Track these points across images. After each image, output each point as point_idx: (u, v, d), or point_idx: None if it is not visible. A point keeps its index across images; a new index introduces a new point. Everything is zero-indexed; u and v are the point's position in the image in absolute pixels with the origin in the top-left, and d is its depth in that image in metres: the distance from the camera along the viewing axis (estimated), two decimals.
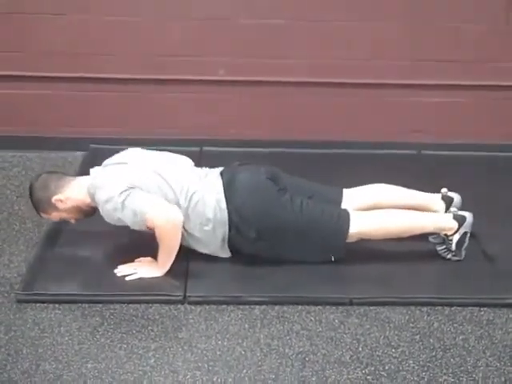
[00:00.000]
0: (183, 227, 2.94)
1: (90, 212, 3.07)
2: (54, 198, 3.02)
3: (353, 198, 3.17)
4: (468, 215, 3.07)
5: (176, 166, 3.10)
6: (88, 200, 3.02)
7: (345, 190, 3.21)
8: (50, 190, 3.03)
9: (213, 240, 3.01)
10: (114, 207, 2.87)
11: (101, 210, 2.95)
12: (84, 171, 3.82)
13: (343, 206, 3.14)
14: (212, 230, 2.99)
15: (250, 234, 2.98)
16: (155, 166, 3.03)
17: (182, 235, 2.96)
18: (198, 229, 2.99)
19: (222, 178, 3.06)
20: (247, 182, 3.03)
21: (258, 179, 3.04)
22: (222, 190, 3.00)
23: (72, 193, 3.03)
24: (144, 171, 2.99)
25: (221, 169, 3.16)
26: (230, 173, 3.08)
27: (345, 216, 3.01)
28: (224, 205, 2.98)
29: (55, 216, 3.09)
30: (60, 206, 3.03)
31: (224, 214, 2.98)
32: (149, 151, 3.19)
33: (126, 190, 2.87)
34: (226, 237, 3.01)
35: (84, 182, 3.04)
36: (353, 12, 4.00)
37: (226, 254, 3.05)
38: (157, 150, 3.67)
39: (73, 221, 3.12)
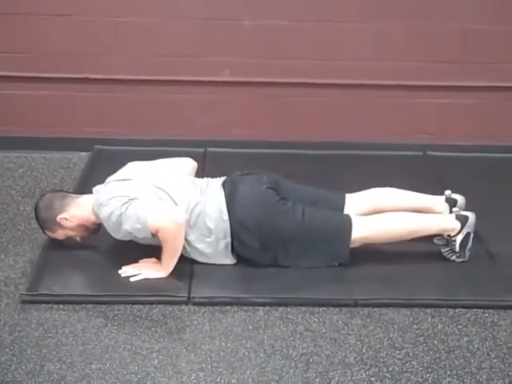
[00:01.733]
0: (185, 239, 2.95)
1: (95, 229, 3.10)
2: (59, 217, 3.04)
3: (355, 203, 3.17)
4: (470, 215, 3.06)
5: (177, 179, 3.11)
6: (93, 218, 3.04)
7: (347, 195, 3.20)
8: (54, 209, 3.05)
9: (215, 251, 3.02)
10: (117, 220, 2.88)
11: (106, 227, 2.97)
12: (89, 172, 3.86)
13: (346, 211, 3.13)
14: (214, 241, 3.00)
15: (253, 245, 2.99)
16: (156, 181, 3.04)
17: (184, 248, 2.97)
18: (200, 240, 2.99)
19: (224, 189, 3.06)
20: (248, 194, 3.03)
21: (259, 190, 3.04)
22: (224, 202, 3.01)
23: (77, 211, 3.05)
24: (145, 186, 3.00)
25: (222, 179, 3.16)
26: (231, 184, 3.08)
27: (347, 222, 3.01)
28: (226, 216, 2.98)
29: (60, 234, 3.10)
30: (65, 224, 3.05)
31: (226, 226, 2.98)
32: (149, 163, 3.20)
33: (126, 202, 2.89)
34: (229, 247, 3.01)
35: (88, 200, 3.06)
36: (358, 13, 3.99)
37: (230, 261, 3.05)
38: (161, 150, 3.73)
39: (78, 238, 3.13)
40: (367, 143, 4.21)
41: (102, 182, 3.15)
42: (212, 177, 3.24)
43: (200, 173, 3.36)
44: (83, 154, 4.13)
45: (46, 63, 4.03)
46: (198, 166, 3.36)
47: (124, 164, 3.22)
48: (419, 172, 3.91)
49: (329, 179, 3.57)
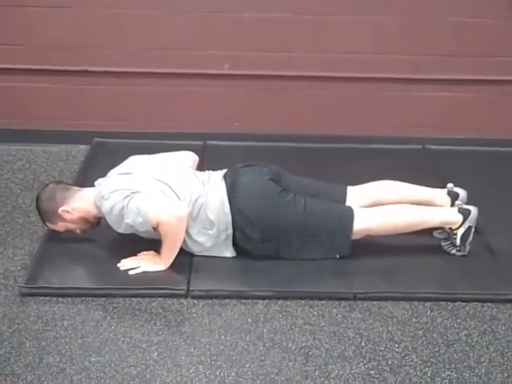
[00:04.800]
0: (186, 232, 2.95)
1: (96, 222, 3.10)
2: (61, 209, 3.03)
3: (357, 196, 3.16)
4: (473, 209, 3.06)
5: (179, 173, 3.11)
6: (94, 211, 3.04)
7: (349, 188, 3.20)
8: (56, 201, 3.04)
9: (216, 243, 3.02)
10: (119, 214, 2.88)
11: (108, 220, 2.96)
12: (88, 165, 3.86)
13: (348, 203, 3.13)
14: (216, 233, 3.00)
15: (255, 236, 2.98)
16: (158, 174, 3.03)
17: (184, 241, 2.97)
18: (202, 233, 2.99)
19: (225, 182, 3.06)
20: (250, 185, 3.03)
21: (260, 181, 3.04)
22: (226, 194, 3.01)
23: (78, 204, 3.04)
24: (147, 179, 3.00)
25: (224, 171, 3.15)
26: (232, 176, 3.08)
27: (348, 213, 3.01)
28: (228, 208, 2.98)
29: (61, 226, 3.10)
30: (66, 216, 3.04)
31: (228, 218, 2.98)
32: (151, 157, 3.20)
33: (128, 196, 2.88)
34: (231, 239, 3.01)
35: (90, 193, 3.05)
36: (358, 6, 3.98)
37: (230, 253, 3.05)
38: (160, 143, 3.73)
39: (78, 231, 3.12)
40: (366, 136, 4.20)
41: (101, 174, 3.14)
42: (211, 169, 3.23)
43: (199, 166, 3.36)
44: (82, 146, 4.13)
45: (46, 55, 4.02)
46: (199, 159, 3.36)
47: (123, 157, 3.21)
48: (418, 165, 3.90)
49: (328, 172, 3.56)
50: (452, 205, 3.18)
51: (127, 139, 4.09)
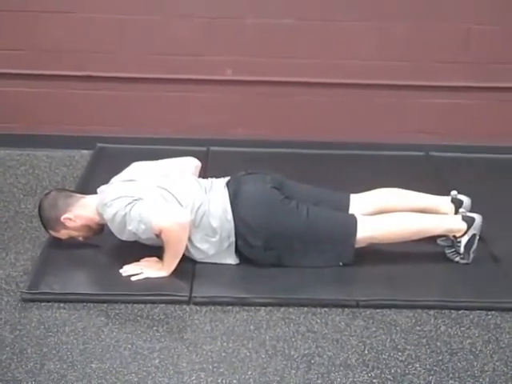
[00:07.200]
0: (189, 240, 2.94)
1: (99, 230, 3.09)
2: (63, 217, 3.02)
3: (360, 203, 3.15)
4: (477, 217, 3.05)
5: (182, 180, 3.10)
6: (97, 218, 3.03)
7: (352, 195, 3.19)
8: (58, 209, 3.03)
9: (219, 251, 3.01)
10: (121, 221, 2.88)
11: (111, 227, 2.96)
12: (91, 170, 3.85)
13: (351, 211, 3.12)
14: (218, 241, 2.99)
15: (258, 244, 2.97)
16: (161, 181, 3.03)
17: (187, 248, 2.96)
18: (204, 240, 2.99)
19: (228, 189, 3.05)
20: (252, 193, 3.02)
21: (263, 189, 3.03)
22: (228, 202, 3.00)
23: (81, 211, 3.04)
24: (150, 186, 2.99)
25: (226, 179, 3.15)
26: (235, 183, 3.08)
27: (352, 221, 3.00)
28: (230, 216, 2.97)
29: (64, 234, 3.09)
30: (69, 224, 3.04)
31: (230, 225, 2.97)
32: (153, 163, 3.20)
33: (130, 203, 2.87)
34: (233, 247, 3.01)
35: (92, 201, 3.05)
36: (361, 12, 3.98)
37: (233, 261, 3.04)
38: (163, 149, 3.73)
39: (81, 238, 3.11)
40: (370, 143, 4.20)
41: (104, 180, 3.14)
42: (214, 175, 3.23)
43: (202, 172, 3.35)
44: (85, 152, 4.13)
45: (49, 60, 4.03)
46: (201, 165, 3.35)
47: (126, 162, 3.21)
48: (422, 172, 3.90)
49: (331, 179, 3.56)
50: (456, 212, 3.17)
51: (130, 145, 4.09)
